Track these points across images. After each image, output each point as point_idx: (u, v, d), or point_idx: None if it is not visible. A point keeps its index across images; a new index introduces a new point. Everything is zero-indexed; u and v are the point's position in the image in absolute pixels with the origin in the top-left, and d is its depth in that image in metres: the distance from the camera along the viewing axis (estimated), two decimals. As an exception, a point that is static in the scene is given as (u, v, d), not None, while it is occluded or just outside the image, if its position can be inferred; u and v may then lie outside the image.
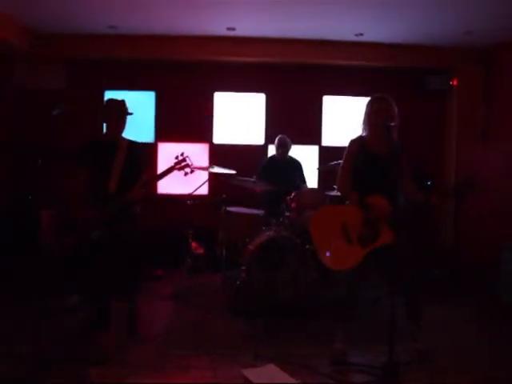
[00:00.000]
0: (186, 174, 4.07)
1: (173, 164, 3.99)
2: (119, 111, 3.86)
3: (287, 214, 5.02)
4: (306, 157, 6.89)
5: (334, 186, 4.68)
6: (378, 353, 3.43)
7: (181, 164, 3.98)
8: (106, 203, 3.68)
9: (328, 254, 3.43)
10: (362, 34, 6.31)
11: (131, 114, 3.90)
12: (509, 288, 4.79)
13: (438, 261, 6.03)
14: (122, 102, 3.89)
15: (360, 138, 3.67)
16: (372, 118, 3.58)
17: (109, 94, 6.87)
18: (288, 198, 5.09)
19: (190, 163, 4.02)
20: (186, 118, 6.96)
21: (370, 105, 3.65)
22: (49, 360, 3.25)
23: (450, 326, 4.35)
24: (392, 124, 3.43)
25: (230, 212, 5.32)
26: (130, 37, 6.43)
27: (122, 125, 3.88)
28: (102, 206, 3.66)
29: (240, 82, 7.08)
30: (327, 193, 5.25)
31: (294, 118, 7.03)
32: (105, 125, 3.92)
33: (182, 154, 4.02)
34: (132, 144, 3.96)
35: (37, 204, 5.11)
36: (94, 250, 3.58)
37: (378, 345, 3.60)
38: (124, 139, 3.95)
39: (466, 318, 4.60)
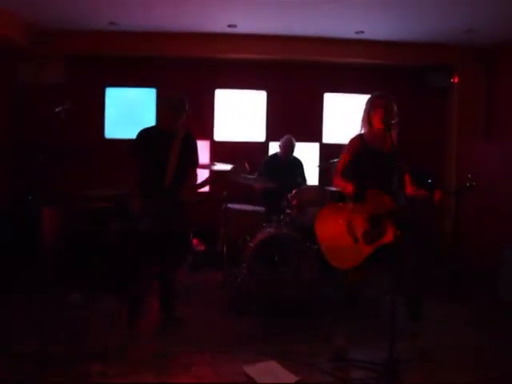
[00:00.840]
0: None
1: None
2: (179, 106, 3.85)
3: (288, 211, 5.02)
4: (307, 154, 6.90)
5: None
6: (379, 350, 3.44)
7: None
8: (159, 195, 3.74)
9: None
10: (362, 32, 6.31)
11: (188, 113, 3.92)
12: (509, 288, 4.79)
13: (439, 260, 6.05)
14: (183, 97, 3.90)
15: (360, 136, 3.67)
16: (372, 115, 3.58)
17: (110, 91, 6.89)
18: (289, 195, 5.09)
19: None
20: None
21: (369, 103, 3.65)
22: (50, 358, 3.26)
23: (450, 325, 4.36)
24: (392, 122, 3.43)
25: (230, 209, 5.33)
26: (131, 33, 6.41)
27: (179, 119, 3.88)
28: (155, 198, 3.72)
29: (241, 79, 7.08)
30: (328, 189, 5.25)
31: (295, 115, 7.04)
32: (161, 116, 4.02)
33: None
34: (187, 135, 4.00)
35: (38, 202, 5.11)
36: (140, 239, 3.74)
37: (378, 342, 3.60)
38: (179, 131, 3.95)
39: (466, 317, 4.61)
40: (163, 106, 3.96)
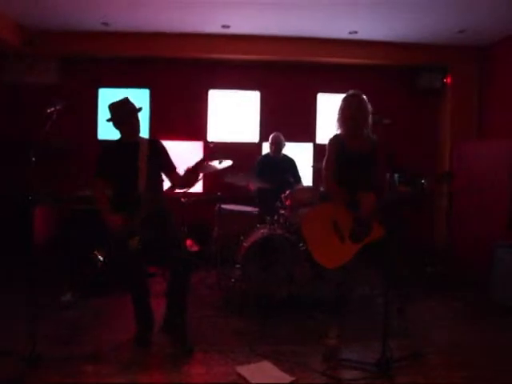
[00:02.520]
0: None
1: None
2: (126, 112, 3.65)
3: (282, 211, 5.02)
4: (301, 154, 6.91)
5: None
6: (371, 349, 3.46)
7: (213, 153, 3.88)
8: (138, 204, 3.54)
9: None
10: (356, 32, 6.34)
11: (140, 109, 3.70)
12: (501, 287, 4.81)
13: (431, 259, 6.06)
14: (125, 101, 3.69)
15: (336, 137, 3.73)
16: (345, 114, 3.65)
17: (103, 92, 6.88)
18: (282, 195, 5.09)
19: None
20: (180, 116, 6.96)
21: (342, 103, 3.73)
22: (41, 358, 3.25)
23: (442, 323, 4.37)
24: (366, 120, 3.53)
25: (224, 210, 5.33)
26: (124, 34, 6.42)
27: (135, 124, 3.68)
28: (135, 209, 3.53)
29: (235, 80, 7.09)
30: (322, 190, 5.26)
31: (289, 116, 7.05)
32: (119, 131, 3.72)
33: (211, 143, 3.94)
34: (152, 141, 3.82)
35: (29, 202, 5.09)
36: (134, 258, 3.54)
37: (371, 341, 3.63)
38: (143, 138, 3.77)
39: (458, 315, 4.62)
40: (117, 116, 3.64)
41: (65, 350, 3.51)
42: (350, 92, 3.73)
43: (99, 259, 3.49)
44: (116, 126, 3.70)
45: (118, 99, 3.72)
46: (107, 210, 3.59)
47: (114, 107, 3.68)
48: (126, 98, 3.72)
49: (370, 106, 3.64)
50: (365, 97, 3.67)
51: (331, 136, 3.77)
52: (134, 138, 3.71)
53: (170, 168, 3.84)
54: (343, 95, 3.78)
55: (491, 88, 6.67)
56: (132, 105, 3.70)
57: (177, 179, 3.77)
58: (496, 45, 6.51)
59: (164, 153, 3.84)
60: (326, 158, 3.73)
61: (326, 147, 3.75)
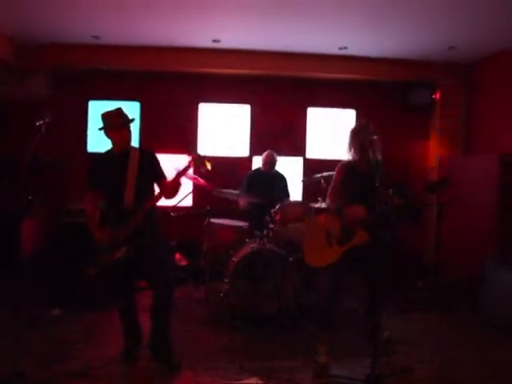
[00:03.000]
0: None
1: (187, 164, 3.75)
2: (118, 122, 3.61)
3: (271, 226, 5.02)
4: (291, 169, 6.92)
5: (319, 198, 5.03)
6: (361, 364, 3.45)
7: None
8: (124, 220, 3.50)
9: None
10: (346, 48, 6.38)
11: (133, 120, 3.68)
12: (490, 307, 4.81)
13: (421, 273, 6.07)
14: (118, 112, 3.66)
15: (348, 163, 3.91)
16: (356, 144, 3.82)
17: (93, 104, 6.86)
18: (272, 210, 5.09)
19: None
20: (170, 129, 6.96)
21: (352, 133, 3.90)
22: (27, 376, 3.19)
23: (431, 337, 4.37)
24: (373, 138, 3.65)
25: (213, 224, 5.31)
26: (115, 47, 6.41)
27: (126, 135, 3.65)
28: (123, 222, 3.50)
29: (225, 94, 7.09)
30: (311, 205, 5.26)
31: (279, 130, 7.07)
32: (110, 140, 3.67)
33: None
34: (143, 152, 3.76)
35: (18, 214, 5.05)
36: (118, 269, 3.53)
37: (360, 357, 3.62)
38: (134, 148, 3.73)
39: (447, 330, 4.63)
40: (110, 125, 3.60)
41: (52, 367, 3.45)
42: (358, 122, 3.93)
43: (88, 273, 3.46)
44: (108, 135, 3.66)
45: (111, 109, 3.70)
46: (94, 225, 3.56)
47: (106, 116, 3.65)
48: (120, 108, 3.70)
49: (373, 128, 3.80)
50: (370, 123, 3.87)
51: (343, 161, 3.95)
52: (124, 147, 3.67)
53: (160, 177, 3.80)
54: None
55: (479, 104, 6.74)
56: (125, 115, 3.68)
57: (166, 187, 3.71)
58: (484, 61, 6.59)
59: (155, 162, 3.81)
60: (334, 181, 3.94)
61: (336, 171, 3.94)
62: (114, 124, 3.61)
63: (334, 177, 3.99)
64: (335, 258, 3.67)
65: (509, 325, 4.49)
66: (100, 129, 3.65)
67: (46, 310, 4.59)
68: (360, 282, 4.02)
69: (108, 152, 3.77)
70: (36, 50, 6.27)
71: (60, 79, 6.68)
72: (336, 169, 3.98)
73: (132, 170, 3.61)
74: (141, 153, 3.72)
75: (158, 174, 3.79)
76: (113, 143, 3.70)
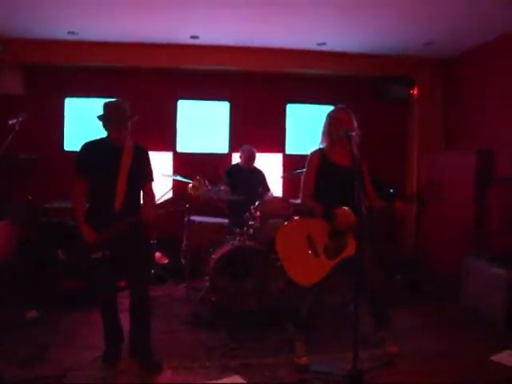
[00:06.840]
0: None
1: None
2: (122, 115, 3.48)
3: (251, 223, 5.00)
4: (270, 165, 6.91)
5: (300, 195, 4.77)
6: (343, 360, 3.45)
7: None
8: (111, 220, 3.36)
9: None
10: (324, 44, 6.39)
11: (133, 117, 3.55)
12: (470, 296, 4.88)
13: (400, 268, 6.12)
14: (124, 104, 3.53)
15: (320, 150, 3.69)
16: (332, 128, 3.61)
17: (69, 101, 6.75)
18: (252, 207, 5.07)
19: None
20: (149, 126, 6.87)
21: (329, 116, 3.70)
22: (4, 380, 3.13)
23: (412, 330, 4.39)
24: (352, 134, 3.44)
25: (193, 221, 5.28)
26: (91, 43, 6.30)
27: (124, 130, 3.50)
28: (107, 224, 3.34)
29: (204, 90, 7.05)
30: (291, 201, 5.26)
31: (258, 126, 7.04)
32: (108, 131, 3.52)
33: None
34: (137, 147, 3.63)
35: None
36: (95, 267, 3.43)
37: (342, 352, 3.63)
38: (129, 142, 3.58)
39: (428, 322, 4.66)
40: (109, 117, 3.46)
41: (29, 371, 3.37)
42: (338, 106, 3.73)
43: (94, 257, 3.34)
44: (106, 125, 3.50)
45: (117, 100, 3.58)
46: (81, 220, 3.41)
47: (110, 106, 3.51)
48: (126, 102, 3.57)
49: (355, 121, 3.62)
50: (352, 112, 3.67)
51: (313, 149, 3.72)
52: (120, 143, 3.52)
53: (147, 178, 3.67)
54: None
55: (457, 99, 6.80)
56: (129, 109, 3.55)
57: (147, 194, 3.63)
58: (461, 57, 6.65)
59: (146, 159, 3.69)
60: (305, 171, 3.68)
61: (306, 163, 3.69)
62: (119, 117, 3.46)
63: (306, 168, 3.68)
64: (324, 275, 3.38)
65: (489, 316, 4.54)
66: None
67: (22, 312, 4.48)
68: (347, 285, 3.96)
69: (102, 141, 3.56)
70: (11, 45, 6.11)
71: (35, 76, 6.57)
72: (308, 158, 3.69)
73: (125, 165, 3.46)
74: (135, 148, 3.60)
75: (146, 174, 3.66)
76: (109, 135, 3.53)
